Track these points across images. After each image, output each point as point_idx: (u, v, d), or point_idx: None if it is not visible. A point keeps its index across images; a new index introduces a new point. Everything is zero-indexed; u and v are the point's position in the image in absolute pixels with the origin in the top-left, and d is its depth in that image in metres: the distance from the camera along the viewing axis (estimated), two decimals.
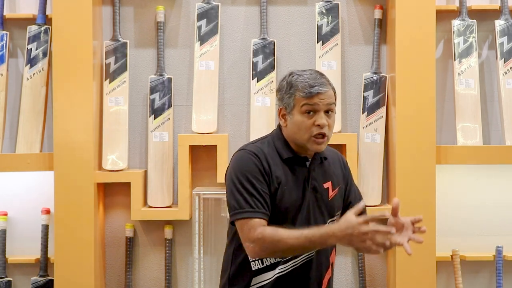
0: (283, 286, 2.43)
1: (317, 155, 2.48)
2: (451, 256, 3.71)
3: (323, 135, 2.39)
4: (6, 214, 3.74)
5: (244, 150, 2.45)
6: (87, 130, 3.55)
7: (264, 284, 2.44)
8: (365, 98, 3.72)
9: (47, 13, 3.72)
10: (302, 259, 2.43)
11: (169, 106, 3.72)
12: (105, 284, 3.76)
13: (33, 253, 3.75)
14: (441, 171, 3.65)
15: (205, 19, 3.71)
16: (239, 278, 2.48)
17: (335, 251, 2.54)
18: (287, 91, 2.44)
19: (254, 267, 2.44)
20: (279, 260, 2.42)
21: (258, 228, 2.34)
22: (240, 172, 2.41)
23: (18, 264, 3.76)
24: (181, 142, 3.63)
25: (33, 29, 3.70)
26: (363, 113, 3.72)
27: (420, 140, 3.55)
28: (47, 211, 3.71)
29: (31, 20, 3.73)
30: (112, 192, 3.76)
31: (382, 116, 3.71)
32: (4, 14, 3.74)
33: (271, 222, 2.37)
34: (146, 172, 3.74)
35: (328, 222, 2.46)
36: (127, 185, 3.66)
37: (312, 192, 2.43)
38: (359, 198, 2.57)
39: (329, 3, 3.73)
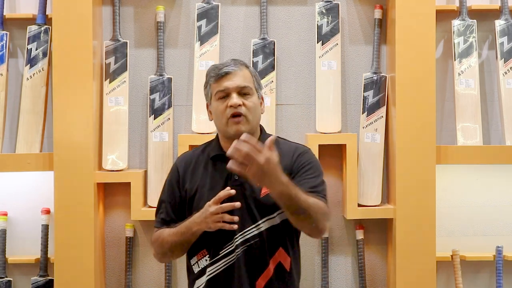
0: None
1: None
2: (451, 256, 3.70)
3: (239, 115, 2.39)
4: (6, 214, 3.74)
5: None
6: (87, 130, 3.55)
7: (200, 286, 2.47)
8: (365, 98, 3.72)
9: (47, 13, 3.71)
10: (226, 262, 2.41)
11: (169, 106, 3.72)
12: (105, 284, 3.76)
13: (33, 253, 3.75)
14: (441, 171, 3.64)
15: (205, 19, 3.71)
16: (189, 282, 2.55)
17: (289, 254, 2.45)
18: (205, 83, 2.51)
19: (195, 271, 2.49)
20: (209, 262, 2.44)
21: (153, 235, 2.53)
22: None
23: (18, 264, 3.76)
24: (181, 142, 3.62)
25: (33, 29, 3.70)
26: (363, 113, 3.72)
27: (420, 140, 3.54)
28: (47, 211, 3.71)
29: (31, 20, 3.73)
30: (112, 192, 3.76)
31: (382, 116, 3.70)
32: (4, 14, 3.74)
33: None
34: (146, 172, 3.74)
35: (263, 220, 2.42)
36: (127, 185, 3.65)
37: (236, 188, 2.37)
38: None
39: (329, 3, 3.72)
